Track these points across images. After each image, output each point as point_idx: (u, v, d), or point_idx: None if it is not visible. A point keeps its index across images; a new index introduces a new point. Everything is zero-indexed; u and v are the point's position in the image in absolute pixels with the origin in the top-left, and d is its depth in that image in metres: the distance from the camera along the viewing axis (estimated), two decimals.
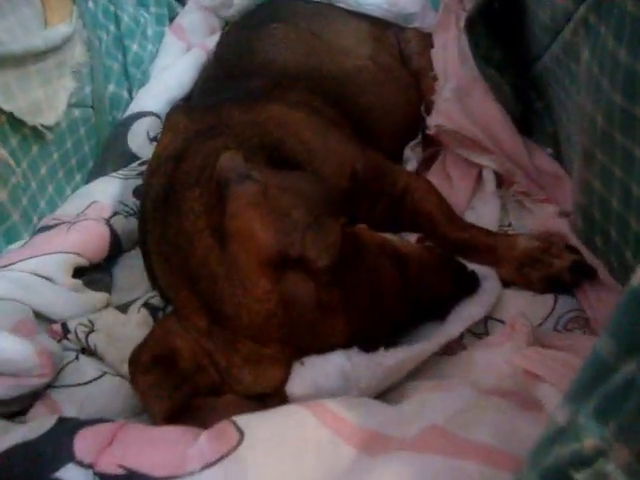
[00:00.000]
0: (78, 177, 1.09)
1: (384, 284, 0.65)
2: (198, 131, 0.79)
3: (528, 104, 0.98)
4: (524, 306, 0.73)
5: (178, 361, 0.64)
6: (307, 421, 0.52)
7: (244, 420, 0.54)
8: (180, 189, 0.70)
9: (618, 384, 0.32)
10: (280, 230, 0.60)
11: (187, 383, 0.63)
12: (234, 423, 0.53)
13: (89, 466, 0.51)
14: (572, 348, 0.57)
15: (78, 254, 0.87)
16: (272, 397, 0.62)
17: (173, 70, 1.21)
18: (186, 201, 0.68)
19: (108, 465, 0.51)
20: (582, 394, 0.33)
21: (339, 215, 0.68)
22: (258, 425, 0.53)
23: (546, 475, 0.34)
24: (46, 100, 0.93)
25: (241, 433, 0.52)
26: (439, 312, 0.72)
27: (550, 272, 0.76)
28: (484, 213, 0.90)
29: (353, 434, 0.52)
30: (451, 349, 0.69)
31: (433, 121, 0.97)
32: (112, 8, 1.16)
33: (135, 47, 1.21)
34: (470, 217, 0.90)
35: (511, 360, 0.55)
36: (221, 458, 0.49)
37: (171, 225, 0.69)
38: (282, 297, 0.60)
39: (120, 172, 1.05)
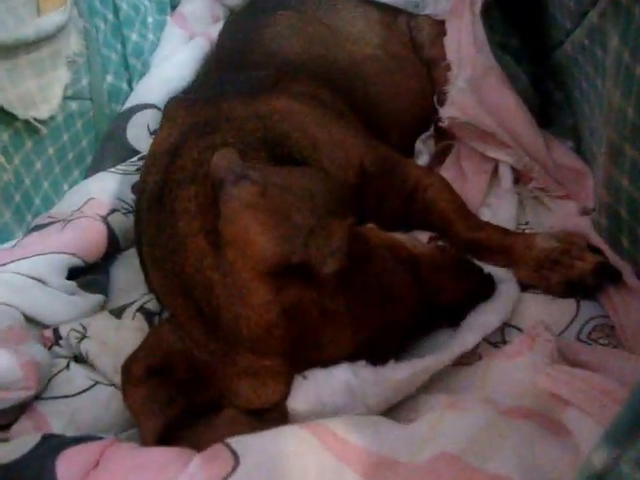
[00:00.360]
0: (76, 172, 1.04)
1: (394, 290, 0.61)
2: (196, 124, 0.74)
3: (547, 94, 0.93)
4: (544, 312, 0.68)
5: (173, 373, 0.60)
6: (308, 444, 0.48)
7: (239, 443, 0.49)
8: (174, 187, 0.66)
9: None
10: (280, 235, 0.55)
11: (182, 397, 0.59)
12: (229, 446, 0.49)
13: None
14: (601, 365, 0.52)
15: (73, 254, 0.83)
16: (272, 412, 0.57)
17: (174, 60, 1.16)
18: (180, 201, 0.64)
19: None
20: (625, 436, 0.28)
21: (346, 214, 0.63)
22: (254, 448, 0.48)
23: None
24: (39, 92, 0.89)
25: (236, 458, 0.47)
26: (453, 318, 0.67)
27: (571, 275, 0.71)
28: (500, 210, 0.85)
29: (358, 459, 0.47)
30: (465, 358, 0.65)
31: (446, 113, 0.92)
32: None
33: (135, 36, 1.16)
34: (485, 215, 0.85)
35: (534, 380, 0.50)
36: None
37: (164, 226, 0.64)
38: (283, 307, 0.55)
39: (119, 167, 1.01)
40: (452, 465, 0.44)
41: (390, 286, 0.60)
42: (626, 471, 0.28)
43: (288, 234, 0.55)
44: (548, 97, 0.92)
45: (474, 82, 0.91)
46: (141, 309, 0.76)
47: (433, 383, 0.61)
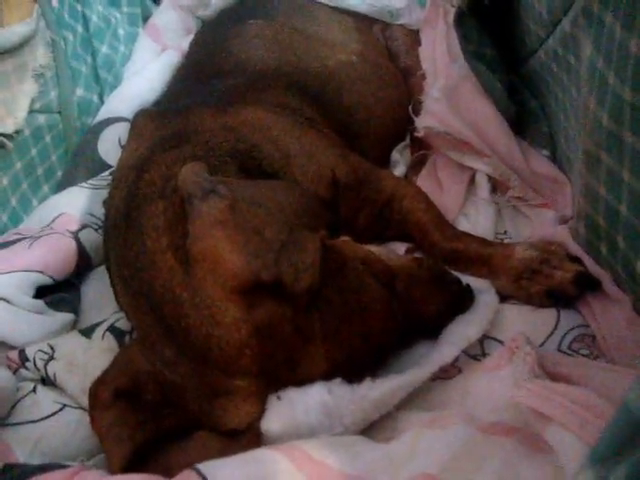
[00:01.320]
0: (46, 188, 1.02)
1: (370, 305, 0.59)
2: (164, 137, 0.72)
3: (522, 103, 0.92)
4: (524, 323, 0.67)
5: (142, 395, 0.58)
6: (281, 468, 0.46)
7: (209, 467, 0.47)
8: (142, 202, 0.63)
9: None
10: (251, 252, 0.53)
11: (152, 420, 0.57)
12: (198, 471, 0.46)
13: None
14: (582, 378, 0.51)
15: (40, 271, 0.80)
16: (245, 434, 0.55)
17: (146, 73, 1.15)
18: (148, 216, 0.62)
19: None
20: (611, 456, 0.27)
21: (319, 227, 0.62)
22: (225, 473, 0.46)
23: None
24: (4, 106, 0.86)
25: None
26: (431, 331, 0.65)
27: (551, 284, 0.70)
28: (478, 220, 0.84)
29: None
30: (445, 372, 0.63)
31: (422, 122, 0.91)
32: (79, 7, 1.09)
33: (105, 49, 1.14)
34: (463, 225, 0.84)
35: (513, 395, 0.49)
36: None
37: (132, 243, 0.62)
38: (255, 325, 0.53)
39: (90, 182, 0.99)
40: None
41: (365, 300, 0.59)
42: None
43: (259, 250, 0.53)
44: (524, 105, 0.92)
45: (449, 91, 0.90)
46: (111, 328, 0.73)
47: (412, 399, 0.59)
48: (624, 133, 0.54)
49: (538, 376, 0.51)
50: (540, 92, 0.88)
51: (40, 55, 0.94)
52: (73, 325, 0.80)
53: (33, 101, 0.94)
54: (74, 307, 0.82)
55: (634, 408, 0.26)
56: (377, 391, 0.55)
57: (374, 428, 0.57)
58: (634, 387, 0.27)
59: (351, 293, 0.58)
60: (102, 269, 0.88)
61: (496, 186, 0.88)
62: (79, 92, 1.07)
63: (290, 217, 0.58)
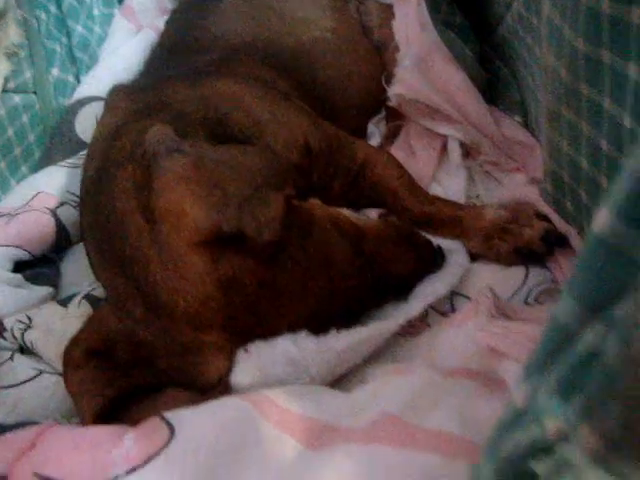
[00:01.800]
0: (24, 168, 1.02)
1: (336, 261, 0.60)
2: (138, 109, 0.73)
3: (494, 71, 0.93)
4: (493, 280, 0.68)
5: (114, 354, 0.59)
6: (247, 414, 0.47)
7: (176, 415, 0.48)
8: (113, 168, 0.64)
9: (581, 353, 0.26)
10: (213, 205, 0.54)
11: (124, 378, 0.58)
12: (165, 419, 0.47)
13: (2, 478, 0.45)
14: (540, 320, 0.52)
15: (17, 246, 0.81)
16: (215, 388, 0.56)
17: (122, 52, 1.15)
18: (118, 180, 0.62)
19: (23, 474, 0.45)
20: (542, 367, 0.28)
21: (287, 189, 0.62)
22: (191, 420, 0.47)
23: (502, 468, 0.29)
24: None
25: (172, 430, 0.46)
26: (401, 291, 0.66)
27: (520, 242, 0.71)
28: (450, 185, 0.85)
29: (299, 427, 0.46)
30: (415, 329, 0.64)
31: (393, 91, 0.91)
32: None
33: (80, 29, 1.14)
34: (436, 190, 0.85)
35: (474, 337, 0.50)
36: (149, 459, 0.44)
37: (103, 207, 0.63)
38: (220, 278, 0.54)
39: (68, 161, 0.99)
40: (391, 424, 0.43)
41: (332, 256, 0.59)
42: (542, 403, 0.27)
43: (220, 204, 0.54)
44: (495, 74, 0.93)
45: (420, 60, 0.91)
46: (87, 296, 0.74)
47: (382, 354, 0.61)
48: (580, 85, 0.55)
49: (496, 318, 0.52)
50: (511, 59, 0.89)
51: (12, 34, 0.93)
52: (52, 299, 0.81)
53: (7, 80, 0.94)
54: (53, 281, 0.83)
55: (558, 315, 0.27)
56: (342, 342, 0.55)
57: (343, 382, 0.58)
58: (563, 296, 0.28)
59: (317, 249, 0.59)
60: (81, 246, 0.89)
61: (469, 152, 0.89)
62: (55, 72, 1.07)
63: (256, 176, 0.59)
